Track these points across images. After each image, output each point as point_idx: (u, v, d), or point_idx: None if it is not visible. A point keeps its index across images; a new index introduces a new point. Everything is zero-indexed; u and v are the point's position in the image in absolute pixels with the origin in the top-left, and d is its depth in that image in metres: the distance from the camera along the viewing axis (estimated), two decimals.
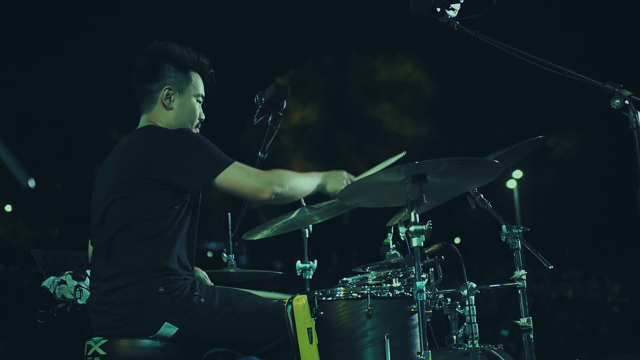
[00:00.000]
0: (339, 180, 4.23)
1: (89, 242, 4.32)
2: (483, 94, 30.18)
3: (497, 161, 3.82)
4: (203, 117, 4.38)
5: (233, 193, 3.97)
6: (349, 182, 4.21)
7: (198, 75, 4.35)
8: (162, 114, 4.25)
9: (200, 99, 4.35)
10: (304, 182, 4.14)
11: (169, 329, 3.82)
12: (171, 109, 4.25)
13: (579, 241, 27.78)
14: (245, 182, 3.92)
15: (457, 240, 31.18)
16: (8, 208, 29.81)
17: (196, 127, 4.35)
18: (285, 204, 4.23)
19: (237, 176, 3.92)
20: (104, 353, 3.85)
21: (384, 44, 32.52)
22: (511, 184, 28.45)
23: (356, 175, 4.33)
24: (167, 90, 4.23)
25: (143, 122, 4.28)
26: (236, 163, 3.95)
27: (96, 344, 3.87)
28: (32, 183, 2.55)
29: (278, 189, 3.95)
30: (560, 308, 20.42)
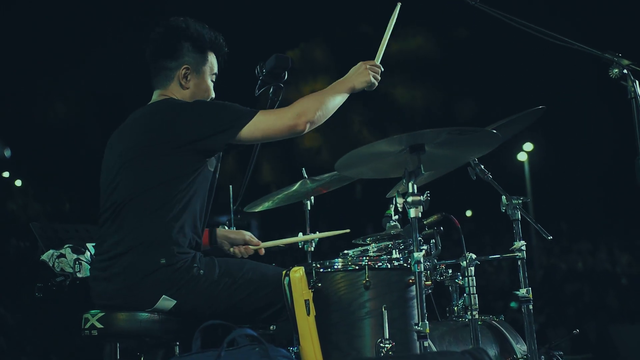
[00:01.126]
0: (364, 73, 4.29)
1: None
2: (495, 67, 30.03)
3: (494, 131, 3.79)
4: (213, 95, 4.38)
5: (268, 139, 4.04)
6: (374, 68, 4.33)
7: (213, 55, 4.37)
8: (178, 92, 4.26)
9: (214, 77, 4.38)
10: (332, 99, 4.13)
11: (167, 302, 3.83)
12: (187, 88, 4.26)
13: (590, 213, 27.71)
14: (278, 124, 3.94)
15: (468, 213, 31.12)
16: (18, 183, 29.87)
17: None
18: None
19: (267, 123, 3.94)
20: (101, 326, 3.86)
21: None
22: (522, 156, 28.37)
23: None
24: (185, 70, 4.24)
25: (156, 96, 4.29)
26: (261, 111, 3.97)
27: (93, 317, 3.88)
28: (7, 153, 2.54)
29: (311, 117, 3.96)
30: (569, 279, 20.41)
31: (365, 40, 33.77)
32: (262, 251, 4.64)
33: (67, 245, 4.62)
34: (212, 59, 4.35)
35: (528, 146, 28.08)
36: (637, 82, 3.60)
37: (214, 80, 4.38)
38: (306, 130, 3.98)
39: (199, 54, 4.28)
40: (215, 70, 4.37)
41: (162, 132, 3.95)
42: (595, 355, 11.43)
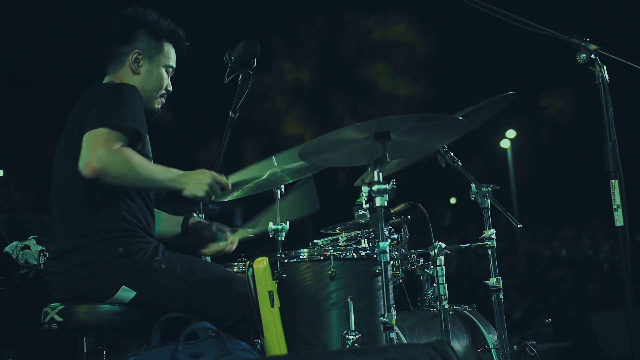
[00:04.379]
0: (200, 185, 3.80)
1: None
2: (477, 53, 30.06)
3: (460, 118, 3.71)
4: (170, 88, 4.29)
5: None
6: (217, 188, 3.88)
7: (171, 46, 4.27)
8: (128, 77, 4.15)
9: (170, 70, 4.27)
10: (149, 174, 3.69)
11: (126, 293, 3.75)
12: (138, 74, 4.16)
13: (573, 199, 27.77)
14: (90, 148, 3.57)
15: (453, 200, 31.17)
16: (0, 172, 29.71)
17: (161, 96, 4.26)
18: None
19: (93, 140, 3.60)
20: (61, 319, 3.78)
21: (378, 3, 32.36)
22: (505, 143, 28.40)
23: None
24: (136, 54, 4.15)
25: (105, 81, 4.20)
26: (105, 129, 3.62)
27: (53, 310, 3.79)
28: None
29: (102, 172, 3.53)
30: (553, 266, 20.44)
31: (347, 27, 33.80)
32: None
33: (31, 237, 4.56)
34: (169, 49, 4.26)
35: (511, 133, 28.14)
36: (604, 67, 3.54)
37: (170, 72, 4.28)
38: (89, 177, 3.56)
39: (153, 41, 4.19)
40: (172, 63, 4.27)
41: (82, 120, 3.76)
42: (574, 342, 11.44)
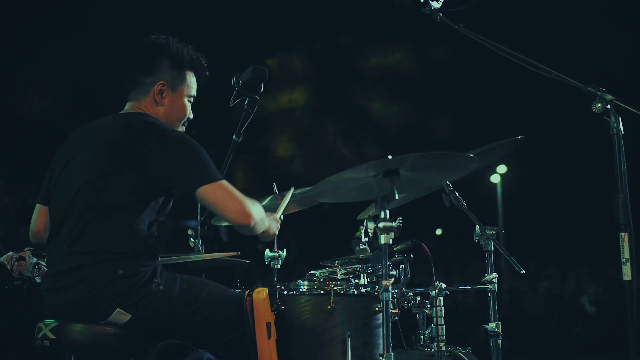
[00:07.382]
0: (276, 224, 4.24)
1: (36, 213, 4.24)
2: (471, 86, 30.11)
3: (471, 155, 3.67)
4: (191, 116, 4.29)
5: (214, 209, 3.85)
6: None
7: (193, 74, 4.27)
8: (152, 108, 4.15)
9: (192, 99, 4.28)
10: (265, 220, 4.03)
11: (121, 316, 3.70)
12: (162, 105, 4.16)
13: (561, 239, 27.76)
14: (231, 202, 3.78)
15: (438, 232, 31.10)
16: None
17: (183, 124, 4.27)
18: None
19: (224, 194, 3.79)
20: (54, 337, 3.72)
21: (376, 30, 32.40)
22: (495, 178, 28.38)
23: None
24: (160, 86, 4.14)
25: (129, 107, 4.18)
26: (225, 181, 3.83)
27: (46, 327, 3.74)
28: None
29: (255, 219, 3.82)
30: (537, 305, 20.38)
31: (343, 51, 33.85)
32: None
33: (27, 249, 4.51)
34: (191, 78, 4.26)
35: (502, 168, 28.11)
36: (620, 118, 3.51)
37: (191, 101, 4.27)
38: (244, 228, 3.86)
39: (176, 71, 4.19)
40: (193, 92, 4.27)
41: (132, 155, 3.84)
42: None
